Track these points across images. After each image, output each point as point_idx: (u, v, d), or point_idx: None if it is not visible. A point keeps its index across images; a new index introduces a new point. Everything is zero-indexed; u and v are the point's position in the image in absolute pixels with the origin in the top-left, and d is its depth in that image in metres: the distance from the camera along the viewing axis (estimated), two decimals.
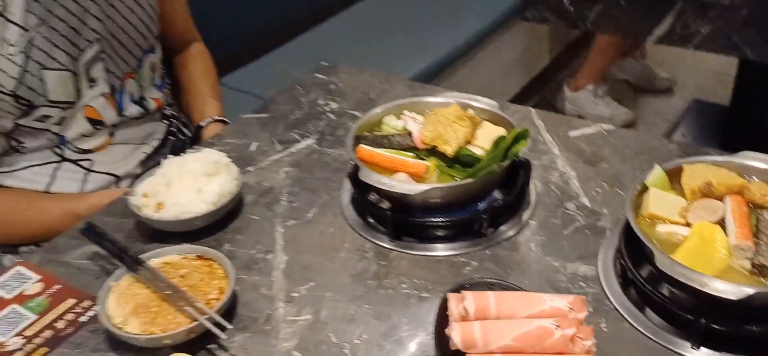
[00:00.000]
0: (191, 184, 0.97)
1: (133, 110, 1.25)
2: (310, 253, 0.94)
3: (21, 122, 1.12)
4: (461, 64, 2.35)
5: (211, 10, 1.94)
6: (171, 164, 1.01)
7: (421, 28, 2.40)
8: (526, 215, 0.97)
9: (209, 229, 0.98)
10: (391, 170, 0.95)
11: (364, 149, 0.98)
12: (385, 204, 0.96)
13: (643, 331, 0.79)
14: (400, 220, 0.95)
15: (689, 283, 0.73)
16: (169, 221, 0.95)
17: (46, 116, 1.13)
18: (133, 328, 0.79)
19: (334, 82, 1.37)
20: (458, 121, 0.98)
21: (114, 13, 1.18)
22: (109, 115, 1.21)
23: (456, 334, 0.68)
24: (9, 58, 1.05)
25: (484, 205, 0.96)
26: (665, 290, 0.79)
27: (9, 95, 1.07)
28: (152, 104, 1.29)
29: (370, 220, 0.99)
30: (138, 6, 1.23)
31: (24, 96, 1.09)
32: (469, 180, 0.92)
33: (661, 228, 0.83)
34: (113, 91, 1.21)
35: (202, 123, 1.38)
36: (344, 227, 0.99)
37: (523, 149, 0.94)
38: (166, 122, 1.35)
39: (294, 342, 0.81)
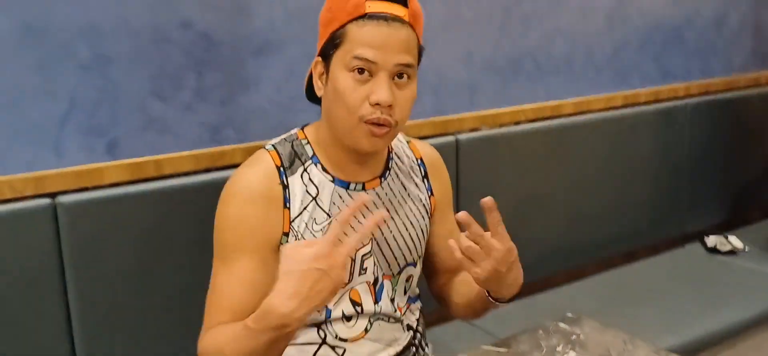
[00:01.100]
0: None
1: (387, 307, 1.40)
2: None
3: None
4: (716, 350, 2.20)
5: None
6: None
7: (676, 301, 2.31)
8: None
9: None
10: None
11: None
12: None
13: None
14: None
15: None
16: None
17: None
18: None
19: (577, 333, 1.39)
20: None
21: (392, 225, 1.39)
22: (368, 302, 1.38)
23: None
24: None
25: None
26: None
27: None
28: (398, 311, 1.42)
29: None
30: (411, 226, 1.42)
31: None
32: None
33: None
34: (375, 282, 1.38)
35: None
36: None
37: None
38: (411, 332, 1.46)
39: None
